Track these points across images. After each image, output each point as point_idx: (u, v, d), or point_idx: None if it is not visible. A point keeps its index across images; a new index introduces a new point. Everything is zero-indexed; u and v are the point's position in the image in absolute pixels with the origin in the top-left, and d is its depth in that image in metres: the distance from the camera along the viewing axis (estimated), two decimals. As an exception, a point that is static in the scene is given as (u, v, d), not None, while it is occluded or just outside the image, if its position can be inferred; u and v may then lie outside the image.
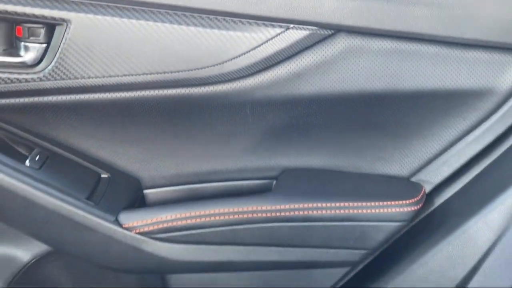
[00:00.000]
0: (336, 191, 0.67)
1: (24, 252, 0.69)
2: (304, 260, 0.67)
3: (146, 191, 0.71)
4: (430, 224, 0.70)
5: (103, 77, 0.58)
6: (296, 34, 0.57)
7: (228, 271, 0.69)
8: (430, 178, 0.70)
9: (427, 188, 0.70)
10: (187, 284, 0.70)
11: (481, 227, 0.64)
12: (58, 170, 0.62)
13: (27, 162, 0.60)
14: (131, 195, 0.68)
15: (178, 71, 0.58)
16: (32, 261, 0.70)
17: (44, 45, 0.56)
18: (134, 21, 0.55)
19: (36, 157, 0.61)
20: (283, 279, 0.71)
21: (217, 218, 0.63)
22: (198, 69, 0.58)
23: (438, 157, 0.69)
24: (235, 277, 0.71)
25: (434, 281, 0.66)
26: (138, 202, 0.70)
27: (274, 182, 0.71)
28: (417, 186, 0.69)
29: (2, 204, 0.60)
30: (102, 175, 0.66)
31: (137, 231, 0.62)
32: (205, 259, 0.65)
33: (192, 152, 0.70)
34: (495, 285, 0.60)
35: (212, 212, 0.63)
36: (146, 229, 0.63)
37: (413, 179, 0.71)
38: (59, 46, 0.55)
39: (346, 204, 0.65)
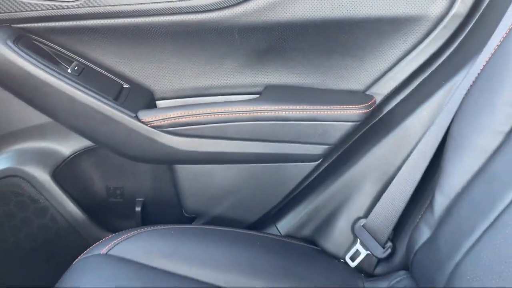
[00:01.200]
0: (305, 100, 0.86)
1: (65, 147, 0.90)
2: (280, 153, 0.87)
3: (157, 102, 0.90)
4: (378, 126, 0.89)
5: (125, 4, 0.77)
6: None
7: (220, 163, 0.89)
8: (380, 91, 0.88)
9: (378, 98, 0.88)
10: (189, 175, 0.90)
11: (414, 123, 0.82)
12: (92, 78, 0.82)
13: (69, 70, 0.80)
14: (147, 103, 0.87)
15: (180, 0, 0.77)
16: (71, 156, 0.91)
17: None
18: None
19: (75, 68, 0.81)
20: (264, 172, 0.91)
21: (211, 116, 0.83)
22: (195, -2, 0.77)
23: (386, 73, 0.87)
24: (227, 170, 0.91)
25: (378, 167, 0.85)
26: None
27: (258, 96, 0.91)
28: (370, 97, 0.88)
29: (50, 102, 0.80)
30: (124, 86, 0.86)
31: (151, 125, 0.82)
32: (202, 150, 0.85)
33: (193, 71, 0.89)
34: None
35: (207, 111, 0.83)
36: (157, 123, 0.83)
37: (367, 92, 0.89)
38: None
39: (312, 107, 0.84)
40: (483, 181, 0.65)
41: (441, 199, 0.71)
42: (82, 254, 0.72)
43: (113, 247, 0.72)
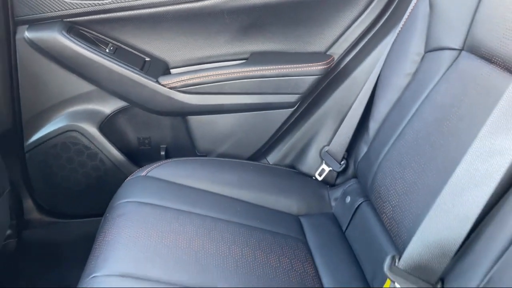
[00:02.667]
0: (280, 61, 1.15)
1: (106, 108, 1.21)
2: (264, 102, 1.17)
3: (171, 70, 1.20)
4: (336, 78, 1.19)
5: (143, -1, 1.06)
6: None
7: (220, 113, 1.19)
8: (337, 51, 1.17)
9: (335, 57, 1.17)
10: (199, 123, 1.21)
11: (360, 73, 1.12)
12: (123, 55, 1.13)
13: (107, 50, 1.10)
14: (163, 71, 1.18)
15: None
16: (111, 114, 1.22)
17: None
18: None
19: (111, 48, 1.11)
20: (254, 118, 1.21)
21: (211, 77, 1.13)
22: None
23: (340, 37, 1.16)
24: (226, 118, 1.21)
25: (336, 108, 1.16)
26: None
27: (246, 61, 1.20)
28: (329, 56, 1.17)
29: (95, 74, 1.11)
30: (146, 59, 1.17)
31: (168, 86, 1.13)
32: (206, 103, 1.16)
33: (196, 45, 1.18)
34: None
35: (208, 74, 1.13)
36: (173, 85, 1.13)
37: (327, 53, 1.18)
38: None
39: (286, 66, 1.13)
40: (396, 108, 0.95)
41: (373, 124, 1.01)
42: (128, 177, 1.04)
43: (149, 171, 1.05)
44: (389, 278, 0.65)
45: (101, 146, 1.22)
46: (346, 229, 1.03)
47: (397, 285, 0.65)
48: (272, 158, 1.26)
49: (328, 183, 1.16)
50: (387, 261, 0.66)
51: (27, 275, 1.23)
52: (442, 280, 0.64)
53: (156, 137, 1.31)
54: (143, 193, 0.97)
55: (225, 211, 0.98)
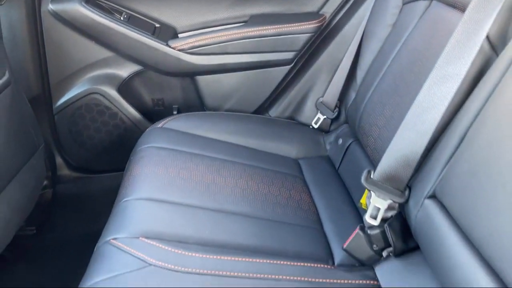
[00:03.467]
0: (277, 21, 1.27)
1: (123, 72, 1.35)
2: (264, 60, 1.30)
3: (179, 34, 1.33)
4: (328, 35, 1.31)
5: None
6: None
7: (225, 72, 1.32)
8: (328, 10, 1.29)
9: (327, 16, 1.29)
10: (206, 82, 1.34)
11: (349, 29, 1.24)
12: (136, 22, 1.26)
13: (121, 18, 1.23)
14: (172, 35, 1.31)
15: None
16: (128, 77, 1.36)
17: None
18: None
19: (125, 16, 1.24)
20: (255, 76, 1.34)
21: (215, 39, 1.26)
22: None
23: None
24: (230, 76, 1.34)
25: (328, 62, 1.29)
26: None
27: (246, 23, 1.32)
28: (321, 15, 1.28)
29: (112, 40, 1.25)
30: (156, 25, 1.30)
31: (177, 49, 1.27)
32: (212, 63, 1.30)
33: (201, 11, 1.31)
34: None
35: (213, 36, 1.26)
36: (181, 47, 1.27)
37: (320, 12, 1.30)
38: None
39: (282, 25, 1.25)
40: (379, 56, 1.07)
41: (360, 73, 1.14)
42: (147, 130, 1.19)
43: (165, 124, 1.20)
44: (366, 188, 0.79)
45: (121, 107, 1.37)
46: (339, 167, 1.17)
47: (372, 193, 0.79)
48: (273, 111, 1.40)
49: (323, 130, 1.29)
50: (364, 174, 0.79)
51: (62, 222, 1.40)
52: (409, 187, 0.78)
53: (168, 98, 1.45)
54: (161, 140, 1.12)
55: (232, 155, 1.13)
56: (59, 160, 1.45)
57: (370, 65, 1.10)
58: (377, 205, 0.78)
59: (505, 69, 0.63)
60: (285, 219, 0.94)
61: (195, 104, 1.45)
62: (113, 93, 1.35)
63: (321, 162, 1.22)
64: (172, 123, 1.21)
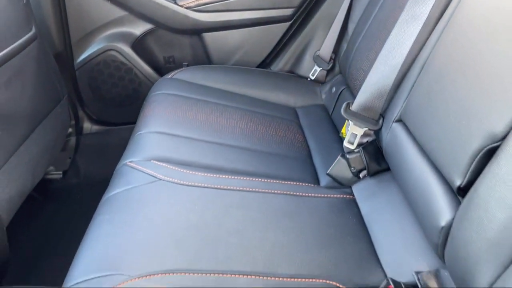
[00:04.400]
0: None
1: (137, 30, 1.48)
2: (265, 16, 1.41)
3: None
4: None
5: None
6: None
7: (229, 29, 1.43)
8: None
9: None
10: (212, 39, 1.46)
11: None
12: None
13: (134, -21, 1.35)
14: None
15: None
16: (141, 35, 1.48)
17: None
18: None
19: (137, -23, 1.36)
20: (258, 32, 1.44)
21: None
22: None
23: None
24: (234, 33, 1.45)
25: (325, 17, 1.38)
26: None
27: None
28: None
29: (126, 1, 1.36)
30: (166, -14, 1.41)
31: (184, 6, 1.38)
32: (217, 20, 1.41)
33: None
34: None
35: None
36: (188, 5, 1.38)
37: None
38: None
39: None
40: (366, 8, 1.17)
41: (351, 25, 1.24)
42: (158, 80, 1.32)
43: (174, 75, 1.32)
44: (346, 118, 0.90)
45: (135, 62, 1.50)
46: (332, 113, 1.28)
47: (351, 122, 0.90)
48: (275, 66, 1.51)
49: (319, 81, 1.40)
50: (343, 106, 0.91)
51: (85, 168, 1.56)
52: (382, 116, 0.89)
53: (178, 55, 1.57)
54: (170, 88, 1.25)
55: (234, 101, 1.25)
56: (80, 113, 1.60)
57: (359, 17, 1.20)
58: (354, 132, 0.90)
59: (456, 4, 0.73)
60: (278, 152, 1.06)
61: (203, 61, 1.56)
62: (128, 50, 1.48)
63: (316, 110, 1.33)
64: (180, 74, 1.34)
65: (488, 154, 0.58)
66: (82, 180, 1.55)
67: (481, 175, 0.57)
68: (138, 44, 1.50)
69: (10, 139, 1.05)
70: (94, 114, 1.60)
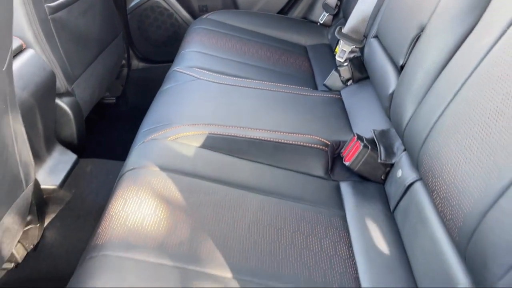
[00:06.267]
0: None
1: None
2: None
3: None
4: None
5: None
6: None
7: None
8: None
9: None
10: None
11: None
12: None
13: None
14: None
15: None
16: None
17: None
18: None
19: None
20: None
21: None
22: None
23: None
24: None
25: None
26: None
27: None
28: None
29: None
30: None
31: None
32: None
33: None
34: None
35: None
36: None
37: None
38: None
39: None
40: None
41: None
42: (195, 20, 1.63)
43: (208, 15, 1.63)
44: (338, 38, 1.20)
45: (176, 9, 1.82)
46: (334, 49, 1.57)
47: (341, 41, 1.20)
48: (291, 13, 1.80)
49: (326, 25, 1.69)
50: (336, 29, 1.20)
51: (134, 97, 1.90)
52: (365, 37, 1.18)
53: (210, 5, 1.87)
54: (205, 25, 1.57)
55: (256, 37, 1.56)
56: (130, 52, 1.93)
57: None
58: (344, 49, 1.19)
59: None
60: (288, 72, 1.37)
61: (232, 8, 1.88)
62: (170, -3, 1.81)
63: (322, 47, 1.62)
64: (213, 15, 1.65)
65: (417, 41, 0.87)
66: (131, 107, 1.90)
67: (411, 55, 0.86)
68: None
69: (86, 55, 1.39)
70: (140, 53, 1.93)
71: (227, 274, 0.67)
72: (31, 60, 1.11)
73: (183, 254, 0.68)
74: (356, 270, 0.73)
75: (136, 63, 1.97)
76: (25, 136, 0.90)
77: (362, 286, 0.70)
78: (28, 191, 0.97)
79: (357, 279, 0.72)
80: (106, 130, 1.77)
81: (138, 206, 0.74)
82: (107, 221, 0.71)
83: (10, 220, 0.86)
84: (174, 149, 0.91)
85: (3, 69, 0.78)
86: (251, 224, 0.77)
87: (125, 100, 1.91)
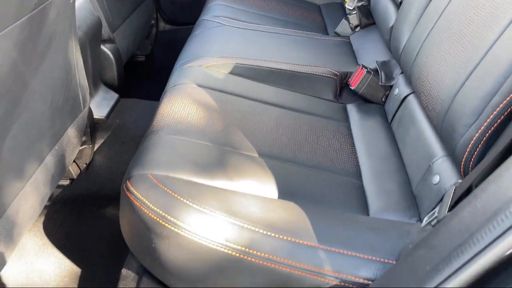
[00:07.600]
0: None
1: None
2: None
3: None
4: None
5: None
6: None
7: None
8: None
9: None
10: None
11: None
12: None
13: None
14: None
15: None
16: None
17: None
18: None
19: None
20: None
21: None
22: None
23: None
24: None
25: None
26: None
27: None
28: None
29: None
30: None
31: None
32: None
33: None
34: None
35: None
36: None
37: None
38: None
39: None
40: None
41: None
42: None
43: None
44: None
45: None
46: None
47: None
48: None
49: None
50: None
51: (162, 57, 2.08)
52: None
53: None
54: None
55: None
56: (158, 15, 2.10)
57: None
58: (353, -2, 1.35)
59: None
60: (301, 28, 1.52)
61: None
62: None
63: (335, 5, 1.77)
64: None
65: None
66: (159, 65, 2.08)
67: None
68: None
69: (124, 8, 1.56)
70: (167, 15, 2.10)
71: (255, 154, 0.84)
72: (82, 5, 1.29)
73: (220, 139, 0.86)
74: (357, 159, 0.91)
75: (163, 25, 2.14)
76: (82, 64, 1.08)
77: (362, 170, 0.88)
78: (84, 113, 1.13)
79: (357, 166, 0.89)
80: (138, 83, 1.96)
81: (182, 107, 0.92)
82: (159, 116, 0.89)
83: (73, 134, 1.05)
84: (207, 73, 1.09)
85: (71, 1, 0.97)
86: (272, 127, 0.94)
87: (153, 59, 2.09)
